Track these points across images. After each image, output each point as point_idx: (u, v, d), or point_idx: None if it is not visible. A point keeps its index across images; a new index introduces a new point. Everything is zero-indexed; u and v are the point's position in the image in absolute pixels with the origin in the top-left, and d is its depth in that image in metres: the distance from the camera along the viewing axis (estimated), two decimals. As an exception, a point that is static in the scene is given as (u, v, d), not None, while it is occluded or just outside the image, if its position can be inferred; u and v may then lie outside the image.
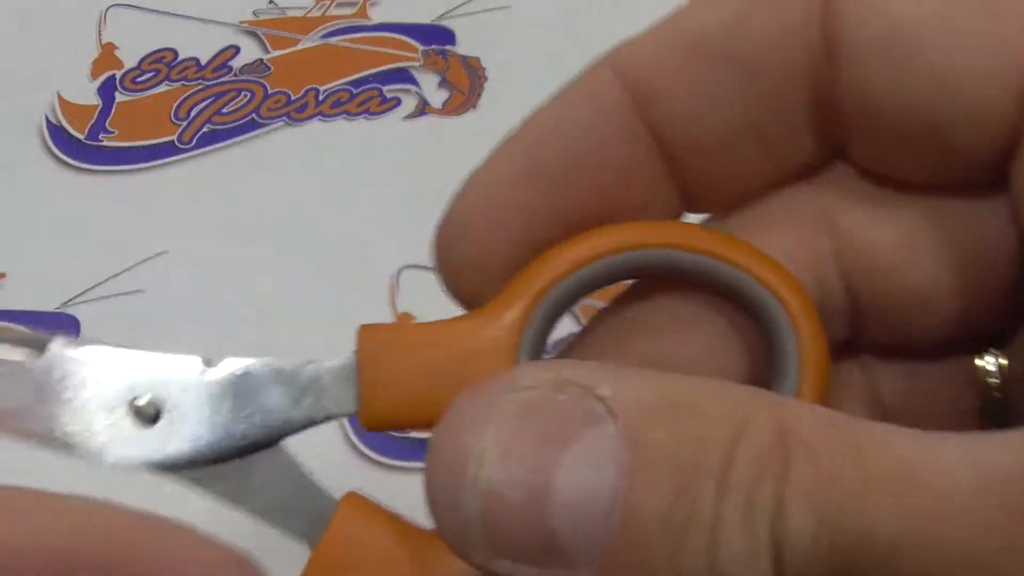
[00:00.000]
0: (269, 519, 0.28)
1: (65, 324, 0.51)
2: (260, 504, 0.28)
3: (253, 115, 0.55)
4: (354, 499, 0.28)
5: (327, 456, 0.48)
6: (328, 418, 0.29)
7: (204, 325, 0.51)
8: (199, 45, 0.56)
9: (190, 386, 0.28)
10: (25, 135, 0.55)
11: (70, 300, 0.51)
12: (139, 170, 0.54)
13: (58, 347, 0.28)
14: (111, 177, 0.54)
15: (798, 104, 0.25)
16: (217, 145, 0.54)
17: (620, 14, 0.57)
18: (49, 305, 0.51)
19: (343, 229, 0.52)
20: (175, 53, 0.56)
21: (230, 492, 0.28)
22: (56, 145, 0.54)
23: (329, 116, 0.54)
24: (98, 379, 0.28)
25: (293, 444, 0.47)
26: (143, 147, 0.54)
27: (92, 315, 0.51)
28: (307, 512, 0.28)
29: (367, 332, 0.30)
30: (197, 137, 0.54)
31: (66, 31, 0.57)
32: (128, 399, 0.28)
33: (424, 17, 0.57)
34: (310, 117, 0.55)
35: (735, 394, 0.22)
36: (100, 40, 0.56)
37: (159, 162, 0.54)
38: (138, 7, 0.57)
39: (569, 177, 0.26)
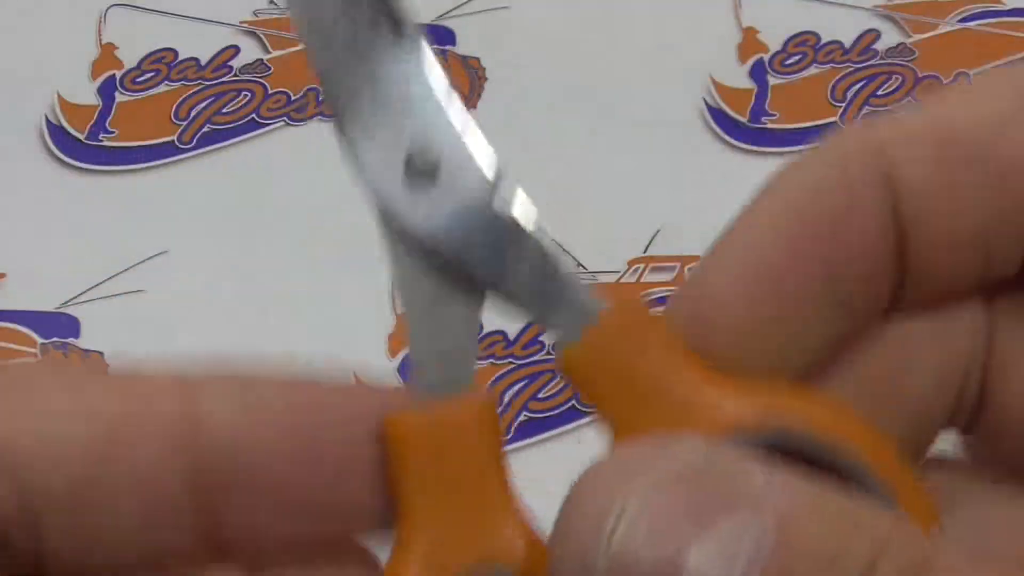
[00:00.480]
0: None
1: (65, 324, 0.51)
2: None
3: (253, 115, 0.55)
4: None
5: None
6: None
7: (204, 325, 0.51)
8: (199, 45, 0.56)
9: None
10: (25, 135, 0.55)
11: (70, 300, 0.51)
12: (139, 170, 0.54)
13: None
14: (111, 177, 0.54)
15: None
16: (217, 145, 0.54)
17: (618, 15, 0.57)
18: (49, 305, 0.51)
19: (343, 229, 0.52)
20: (175, 53, 0.56)
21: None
22: (56, 145, 0.54)
23: (330, 116, 0.55)
24: None
25: None
26: (143, 147, 0.54)
27: (92, 315, 0.51)
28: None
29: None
30: (197, 137, 0.54)
31: (66, 31, 0.57)
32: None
33: (424, 17, 0.57)
34: (310, 117, 0.55)
35: (881, 515, 0.21)
36: (100, 40, 0.56)
37: (159, 162, 0.54)
38: (138, 7, 0.57)
39: (821, 243, 0.25)
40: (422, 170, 0.24)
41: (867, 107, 0.54)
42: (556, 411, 0.49)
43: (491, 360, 0.49)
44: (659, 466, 0.22)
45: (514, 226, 0.24)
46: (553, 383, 0.49)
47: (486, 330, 0.50)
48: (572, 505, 0.22)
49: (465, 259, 0.24)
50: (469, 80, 0.55)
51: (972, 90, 0.25)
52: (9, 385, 0.24)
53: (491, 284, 0.24)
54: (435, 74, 0.24)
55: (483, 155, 0.24)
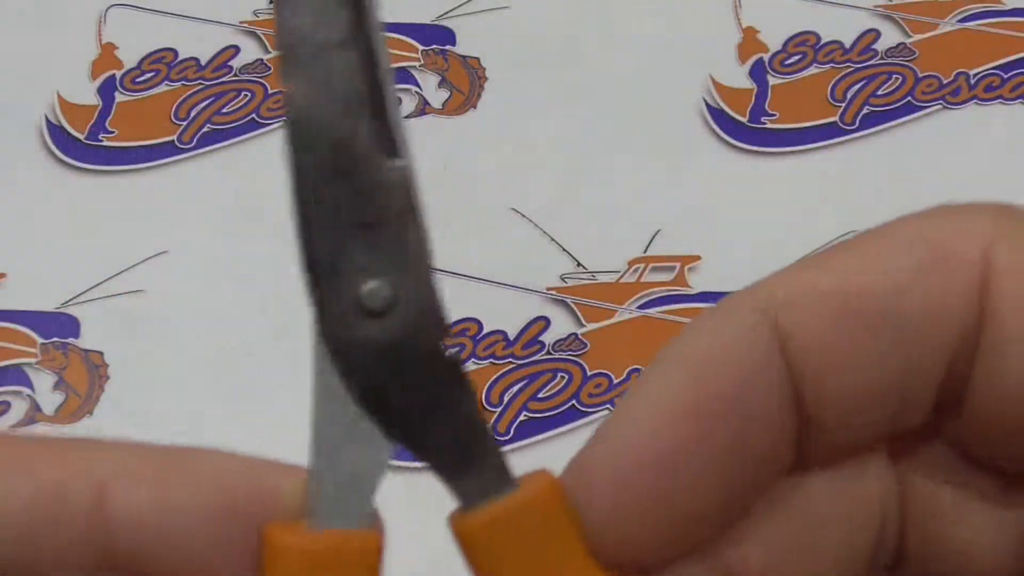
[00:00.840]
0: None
1: (65, 324, 0.51)
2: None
3: (253, 115, 0.55)
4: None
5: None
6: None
7: (204, 325, 0.51)
8: (199, 45, 0.56)
9: None
10: (25, 135, 0.55)
11: (70, 300, 0.51)
12: (139, 170, 0.54)
13: None
14: (111, 177, 0.54)
15: (934, 376, 0.24)
16: (218, 145, 0.54)
17: (617, 14, 0.57)
18: (49, 305, 0.51)
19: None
20: (175, 53, 0.56)
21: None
22: (56, 145, 0.54)
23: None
24: None
25: None
26: (143, 147, 0.54)
27: (92, 315, 0.51)
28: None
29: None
30: (197, 137, 0.54)
31: (66, 31, 0.57)
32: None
33: (424, 17, 0.57)
34: (310, 117, 0.55)
35: None
36: (100, 40, 0.57)
37: (159, 162, 0.54)
38: (138, 7, 0.57)
39: (718, 420, 0.24)
40: (376, 304, 0.23)
41: (867, 107, 0.54)
42: (556, 411, 0.49)
43: (491, 360, 0.49)
44: None
45: (455, 375, 0.23)
46: (553, 383, 0.49)
47: (486, 330, 0.50)
48: None
49: (391, 399, 0.23)
50: (469, 80, 0.55)
51: (862, 247, 0.25)
52: None
53: (407, 429, 0.24)
54: (415, 194, 0.23)
55: (442, 294, 0.23)
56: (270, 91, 0.55)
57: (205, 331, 0.51)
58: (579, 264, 0.51)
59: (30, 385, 0.50)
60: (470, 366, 0.49)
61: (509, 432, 0.48)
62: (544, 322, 0.50)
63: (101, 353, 0.50)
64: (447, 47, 0.56)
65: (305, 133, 0.23)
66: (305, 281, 0.23)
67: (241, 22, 0.57)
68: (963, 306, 0.23)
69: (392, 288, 0.23)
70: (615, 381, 0.49)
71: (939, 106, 0.54)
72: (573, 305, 0.50)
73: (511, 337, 0.50)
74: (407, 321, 0.23)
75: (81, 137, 0.54)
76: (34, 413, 0.50)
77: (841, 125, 0.54)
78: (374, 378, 0.23)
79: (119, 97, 0.55)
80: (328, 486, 0.23)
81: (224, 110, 0.55)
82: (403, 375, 0.23)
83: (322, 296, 0.23)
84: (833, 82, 0.55)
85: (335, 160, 0.23)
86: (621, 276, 0.51)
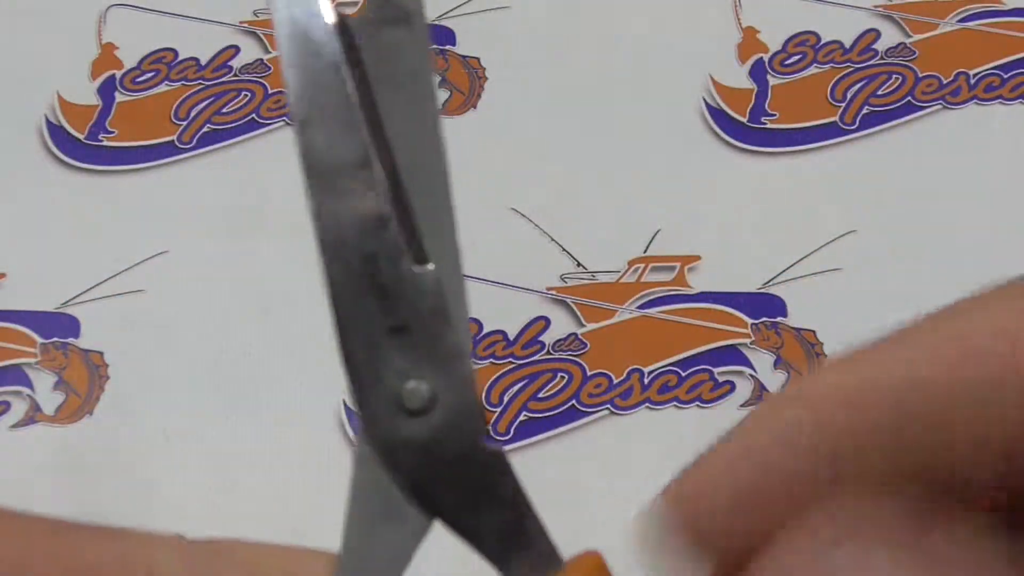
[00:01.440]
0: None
1: (65, 324, 0.51)
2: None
3: (254, 115, 0.55)
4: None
5: (322, 444, 0.48)
6: None
7: (204, 325, 0.51)
8: (199, 45, 0.56)
9: None
10: (25, 135, 0.55)
11: (70, 300, 0.51)
12: (139, 170, 0.54)
13: None
14: (111, 177, 0.54)
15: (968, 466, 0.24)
16: (217, 145, 0.54)
17: (618, 14, 0.57)
18: (49, 305, 0.51)
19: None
20: (175, 53, 0.56)
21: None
22: (56, 145, 0.55)
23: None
24: None
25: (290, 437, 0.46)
26: (143, 147, 0.55)
27: (92, 315, 0.51)
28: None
29: None
30: (197, 137, 0.54)
31: (66, 31, 0.57)
32: None
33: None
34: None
35: None
36: (100, 40, 0.57)
37: (159, 162, 0.54)
38: (138, 7, 0.57)
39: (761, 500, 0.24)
40: (416, 404, 0.24)
41: (867, 107, 0.54)
42: (556, 411, 0.49)
43: (491, 360, 0.49)
44: None
45: (498, 466, 0.24)
46: (553, 383, 0.49)
47: (486, 330, 0.50)
48: None
49: (438, 491, 0.24)
50: (469, 80, 0.55)
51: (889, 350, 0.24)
52: None
53: (456, 518, 0.24)
54: (445, 296, 0.24)
55: (477, 388, 0.24)
56: (270, 91, 0.55)
57: (205, 331, 0.51)
58: (579, 264, 0.51)
59: (30, 385, 0.50)
60: (483, 364, 0.49)
61: (509, 432, 0.48)
62: (544, 322, 0.50)
63: (101, 353, 0.50)
64: (447, 47, 0.56)
65: (334, 248, 0.24)
66: (348, 383, 0.24)
67: (241, 22, 0.57)
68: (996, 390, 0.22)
69: (431, 387, 0.23)
70: (615, 381, 0.49)
71: (939, 106, 0.54)
72: (573, 305, 0.50)
73: (511, 337, 0.50)
74: (447, 418, 0.23)
75: (81, 137, 0.55)
76: (34, 413, 0.50)
77: (841, 125, 0.54)
78: (419, 473, 0.24)
79: (119, 97, 0.55)
80: (356, 571, 0.24)
81: (224, 110, 0.55)
82: (447, 469, 0.24)
83: (364, 397, 0.23)
84: (833, 82, 0.55)
85: (365, 271, 0.24)
86: (621, 276, 0.51)
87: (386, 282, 0.24)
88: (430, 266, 0.24)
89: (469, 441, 0.23)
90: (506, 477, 0.24)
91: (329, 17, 0.24)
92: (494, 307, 0.50)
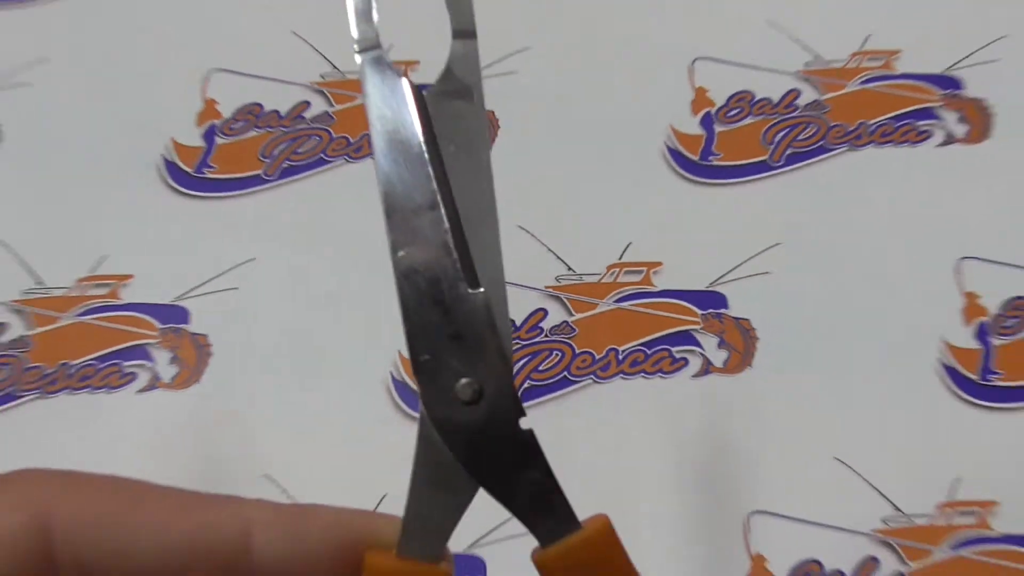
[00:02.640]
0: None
1: (178, 314, 0.51)
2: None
3: (321, 154, 0.55)
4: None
5: (373, 406, 0.48)
6: None
7: (282, 314, 0.51)
8: (280, 100, 0.56)
9: None
10: (147, 170, 0.55)
11: (182, 295, 0.52)
12: (234, 196, 0.54)
13: None
14: (212, 202, 0.54)
15: None
16: (293, 177, 0.54)
17: (601, 80, 0.56)
18: (166, 299, 0.51)
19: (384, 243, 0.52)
20: (261, 107, 0.56)
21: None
22: (171, 177, 0.54)
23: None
24: None
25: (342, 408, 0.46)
26: (237, 179, 0.54)
27: (199, 307, 0.51)
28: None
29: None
30: (278, 171, 0.54)
31: (178, 90, 0.57)
32: None
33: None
34: (364, 156, 0.54)
35: None
36: (204, 96, 0.56)
37: (249, 190, 0.54)
38: (234, 71, 0.57)
39: None
40: (467, 396, 0.23)
41: (790, 148, 0.54)
42: (552, 380, 0.49)
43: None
44: None
45: (529, 446, 0.24)
46: (549, 359, 0.49)
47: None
48: None
49: (484, 464, 0.24)
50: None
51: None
52: None
53: (497, 487, 0.24)
54: (491, 313, 0.23)
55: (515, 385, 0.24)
56: (334, 136, 0.55)
57: (283, 319, 0.51)
58: (569, 268, 0.51)
59: (151, 360, 0.50)
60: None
61: (520, 395, 0.48)
62: (543, 312, 0.50)
63: (206, 335, 0.51)
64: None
65: (407, 273, 0.24)
66: (415, 378, 0.23)
67: (311, 83, 0.56)
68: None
69: (479, 384, 0.23)
70: (597, 358, 0.49)
71: (845, 148, 0.54)
72: (565, 299, 0.50)
73: (518, 324, 0.50)
74: (491, 408, 0.23)
75: (190, 171, 0.55)
76: (155, 382, 0.50)
77: (770, 163, 0.54)
78: (469, 449, 0.23)
79: (218, 140, 0.55)
80: (416, 528, 0.23)
81: (298, 150, 0.55)
82: (490, 447, 0.23)
83: (427, 390, 0.23)
84: (764, 130, 0.54)
85: (430, 291, 0.23)
86: (602, 277, 0.51)
87: (446, 301, 0.23)
88: (481, 289, 0.23)
89: (507, 425, 0.23)
90: (536, 454, 0.24)
91: (408, 91, 0.23)
92: (513, 305, 0.50)
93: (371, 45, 0.24)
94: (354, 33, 0.24)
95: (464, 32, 0.24)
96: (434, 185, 0.24)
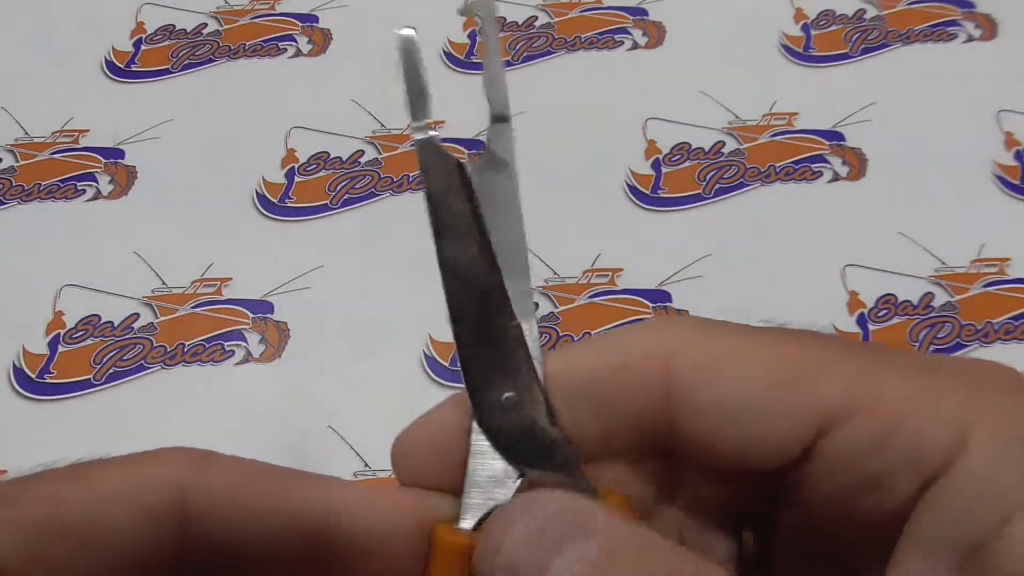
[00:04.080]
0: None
1: (265, 307, 0.51)
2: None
3: (373, 189, 0.55)
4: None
5: (410, 377, 0.48)
6: None
7: (343, 307, 0.51)
8: (342, 149, 0.56)
9: None
10: (244, 200, 0.55)
11: (269, 292, 0.51)
12: (307, 220, 0.54)
13: None
14: (291, 224, 0.54)
15: (630, 429, 0.22)
16: (352, 206, 0.54)
17: (575, 132, 0.56)
18: (257, 295, 0.51)
19: (420, 250, 0.52)
20: (328, 154, 0.56)
21: None
22: (261, 206, 0.54)
23: (414, 190, 0.55)
24: None
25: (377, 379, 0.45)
26: (310, 207, 0.54)
27: (281, 301, 0.51)
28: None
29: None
30: (341, 201, 0.54)
31: (268, 140, 0.57)
32: None
33: (461, 132, 0.57)
34: (405, 191, 0.55)
35: (676, 553, 0.18)
36: (287, 146, 0.57)
37: (319, 215, 0.54)
38: (308, 128, 0.57)
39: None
40: (509, 405, 0.22)
41: (718, 184, 0.54)
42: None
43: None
44: (526, 517, 0.20)
45: (561, 443, 0.22)
46: (364, 179, 0.49)
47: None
48: (479, 552, 0.20)
49: (527, 457, 0.22)
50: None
51: (592, 347, 0.22)
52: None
53: (532, 471, 0.22)
54: (532, 341, 0.22)
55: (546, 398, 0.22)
56: (382, 176, 0.55)
57: (343, 310, 0.51)
58: (555, 272, 0.51)
59: (246, 341, 0.50)
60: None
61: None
62: (535, 306, 0.50)
63: (286, 322, 0.50)
64: (482, 152, 0.56)
65: (460, 313, 0.22)
66: (468, 393, 0.22)
67: (366, 136, 0.56)
68: (646, 391, 0.21)
69: (518, 395, 0.22)
70: (575, 339, 0.49)
71: (759, 184, 0.54)
72: (552, 296, 0.50)
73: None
74: (528, 415, 0.22)
75: (275, 201, 0.54)
76: (248, 357, 0.50)
77: (703, 195, 0.54)
78: (512, 445, 0.22)
79: (297, 179, 0.55)
80: (474, 505, 0.22)
81: (356, 186, 0.55)
82: (528, 443, 0.22)
83: (478, 400, 0.22)
84: (698, 171, 0.54)
85: (479, 326, 0.22)
86: (578, 279, 0.51)
87: (491, 333, 0.22)
88: (517, 321, 0.22)
89: (541, 427, 0.22)
90: (564, 448, 0.22)
91: (459, 173, 0.22)
92: (507, 297, 0.50)
93: (425, 128, 0.22)
94: (409, 118, 0.22)
95: (500, 117, 0.24)
96: (477, 240, 0.22)
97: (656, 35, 0.59)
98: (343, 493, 0.21)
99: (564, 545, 0.18)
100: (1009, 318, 0.49)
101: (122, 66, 0.60)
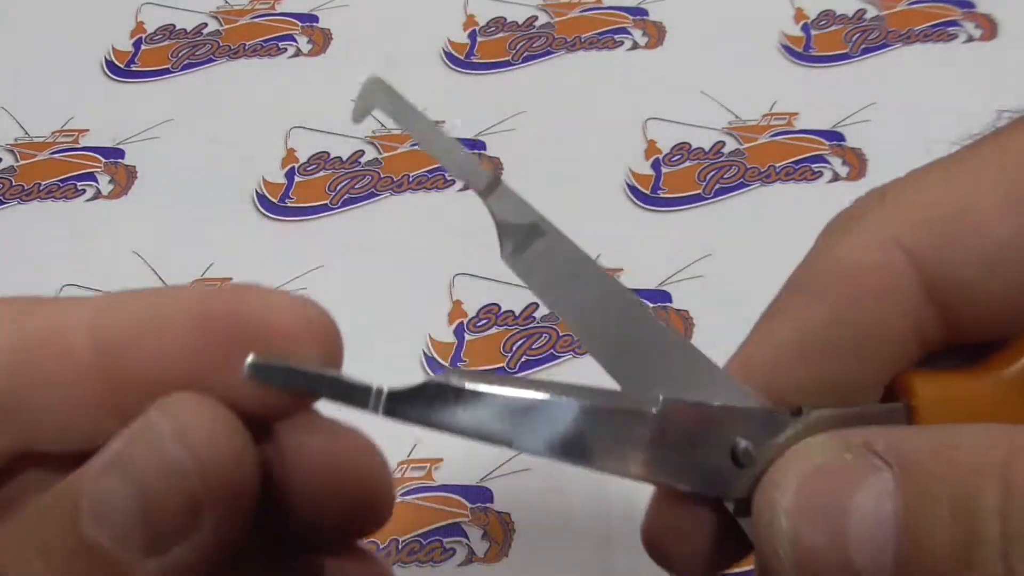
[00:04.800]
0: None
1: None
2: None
3: (372, 189, 0.55)
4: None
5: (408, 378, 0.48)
6: None
7: (342, 308, 0.51)
8: (342, 149, 0.56)
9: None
10: (244, 200, 0.55)
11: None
12: (307, 220, 0.54)
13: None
14: (291, 224, 0.54)
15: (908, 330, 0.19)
16: (352, 206, 0.54)
17: (577, 137, 0.56)
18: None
19: (420, 250, 0.52)
20: (328, 154, 0.56)
21: None
22: (261, 206, 0.54)
23: (414, 190, 0.55)
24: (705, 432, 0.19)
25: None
26: (311, 207, 0.54)
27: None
28: None
29: (921, 381, 0.18)
30: (340, 201, 0.54)
31: (268, 141, 0.56)
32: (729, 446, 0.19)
33: (464, 133, 0.57)
34: (405, 191, 0.54)
35: (994, 430, 0.16)
36: (287, 146, 0.56)
37: (319, 215, 0.54)
38: (308, 128, 0.57)
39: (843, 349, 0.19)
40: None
41: (717, 184, 0.54)
42: (542, 355, 0.49)
43: (506, 326, 0.49)
44: (802, 467, 0.17)
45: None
46: (540, 339, 0.49)
47: (504, 309, 0.50)
48: (753, 518, 0.17)
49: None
50: (494, 170, 0.55)
51: (954, 169, 0.19)
52: None
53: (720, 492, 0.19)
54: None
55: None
56: (382, 175, 0.55)
57: (344, 309, 0.50)
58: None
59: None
60: (495, 331, 0.49)
61: (516, 368, 0.48)
62: (535, 305, 0.50)
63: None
64: (482, 152, 0.56)
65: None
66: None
67: (365, 136, 0.56)
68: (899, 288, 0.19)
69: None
70: (575, 339, 0.49)
71: (759, 184, 0.54)
72: (552, 296, 0.50)
73: (516, 313, 0.49)
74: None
75: (275, 201, 0.54)
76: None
77: (703, 195, 0.54)
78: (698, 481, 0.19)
79: (296, 178, 0.55)
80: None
81: (356, 186, 0.55)
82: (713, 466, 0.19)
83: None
84: (698, 171, 0.54)
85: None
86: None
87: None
88: (658, 403, 0.19)
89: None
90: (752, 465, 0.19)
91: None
92: (508, 297, 0.50)
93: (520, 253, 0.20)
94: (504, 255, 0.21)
95: (490, 186, 0.20)
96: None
97: (656, 35, 0.59)
98: (100, 303, 0.17)
99: (854, 493, 0.16)
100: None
101: (122, 66, 0.60)
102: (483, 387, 0.18)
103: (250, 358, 0.17)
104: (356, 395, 0.19)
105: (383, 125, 0.57)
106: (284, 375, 0.18)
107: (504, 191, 0.21)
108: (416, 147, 0.56)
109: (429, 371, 0.48)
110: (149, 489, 0.15)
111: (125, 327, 0.17)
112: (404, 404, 0.19)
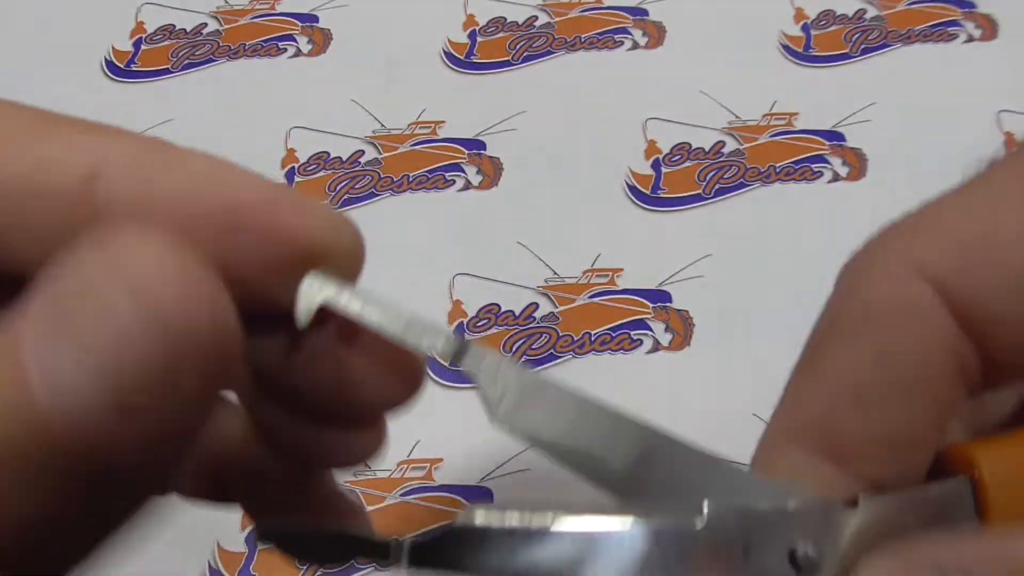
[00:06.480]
0: None
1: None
2: None
3: (372, 189, 0.54)
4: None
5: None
6: None
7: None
8: (341, 149, 0.56)
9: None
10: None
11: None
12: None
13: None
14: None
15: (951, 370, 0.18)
16: (353, 206, 0.54)
17: (579, 136, 0.56)
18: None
19: (416, 248, 0.52)
20: (328, 154, 0.56)
21: None
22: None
23: (414, 190, 0.55)
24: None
25: None
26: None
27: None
28: None
29: (980, 451, 0.17)
30: (341, 201, 0.54)
31: (268, 141, 0.56)
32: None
33: (468, 132, 0.57)
34: (405, 191, 0.54)
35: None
36: (287, 146, 0.56)
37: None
38: (307, 128, 0.57)
39: (895, 399, 0.17)
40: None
41: (717, 184, 0.54)
42: (542, 356, 0.49)
43: (505, 327, 0.49)
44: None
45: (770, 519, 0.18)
46: (540, 340, 0.49)
47: (503, 310, 0.50)
48: None
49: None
50: (493, 170, 0.55)
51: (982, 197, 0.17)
52: None
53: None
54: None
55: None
56: (382, 175, 0.55)
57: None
58: (555, 272, 0.51)
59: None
60: (495, 331, 0.49)
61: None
62: (535, 305, 0.50)
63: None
64: (482, 151, 0.56)
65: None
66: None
67: (365, 136, 0.56)
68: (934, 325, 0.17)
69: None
70: (575, 339, 0.49)
71: (759, 184, 0.54)
72: (552, 296, 0.50)
73: (516, 314, 0.49)
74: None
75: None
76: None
77: (703, 195, 0.53)
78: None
79: (297, 179, 0.55)
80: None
81: (356, 186, 0.55)
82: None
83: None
84: (698, 171, 0.54)
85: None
86: (578, 280, 0.51)
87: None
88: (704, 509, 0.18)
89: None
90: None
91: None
92: (508, 297, 0.50)
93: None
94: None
95: (458, 351, 0.19)
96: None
97: (656, 35, 0.59)
98: (115, 150, 0.15)
99: None
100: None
101: (122, 66, 0.59)
102: (510, 522, 0.17)
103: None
104: (378, 551, 0.17)
105: (383, 125, 0.57)
106: (301, 542, 0.17)
107: (474, 345, 0.19)
108: (416, 148, 0.56)
109: (430, 372, 0.48)
110: (109, 365, 0.12)
111: (124, 194, 0.15)
112: (430, 554, 0.17)
